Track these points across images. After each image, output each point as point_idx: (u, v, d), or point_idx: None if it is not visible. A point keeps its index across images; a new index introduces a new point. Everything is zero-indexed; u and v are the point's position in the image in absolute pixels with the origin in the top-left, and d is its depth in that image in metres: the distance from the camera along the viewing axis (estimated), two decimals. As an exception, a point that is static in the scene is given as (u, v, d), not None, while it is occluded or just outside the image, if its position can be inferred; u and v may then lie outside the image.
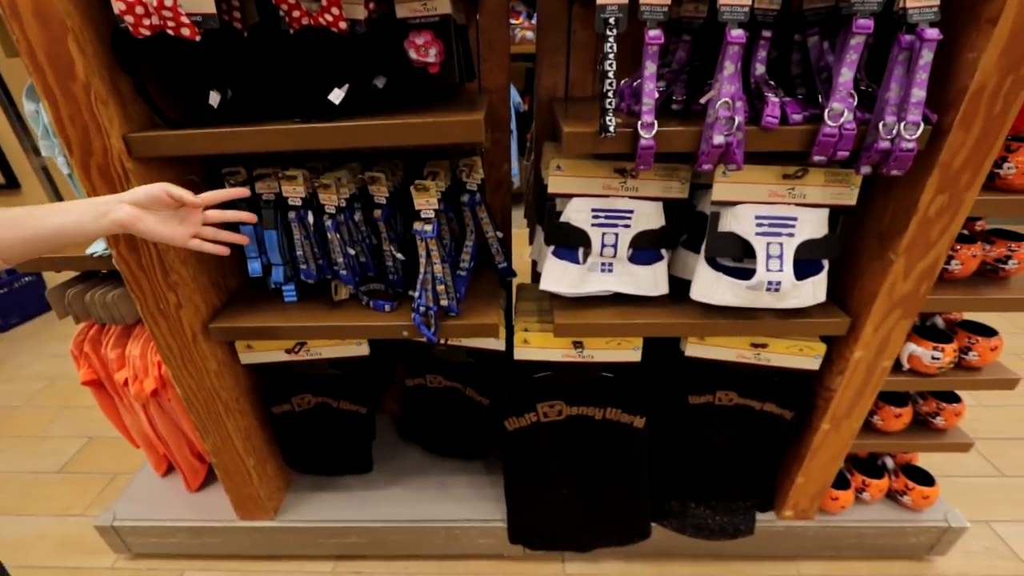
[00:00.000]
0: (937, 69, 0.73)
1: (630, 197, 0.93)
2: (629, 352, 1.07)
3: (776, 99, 0.77)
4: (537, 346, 1.08)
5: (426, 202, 0.94)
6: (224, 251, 0.78)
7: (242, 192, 0.81)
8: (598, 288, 0.99)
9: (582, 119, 0.85)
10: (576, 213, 0.94)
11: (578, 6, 1.02)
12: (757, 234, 0.89)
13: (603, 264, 0.98)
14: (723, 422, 1.15)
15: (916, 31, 0.68)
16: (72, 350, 1.21)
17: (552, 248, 0.99)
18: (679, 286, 1.01)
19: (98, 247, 1.04)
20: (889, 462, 1.32)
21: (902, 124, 0.72)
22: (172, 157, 0.92)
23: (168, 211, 0.72)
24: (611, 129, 0.75)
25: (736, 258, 0.97)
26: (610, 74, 0.73)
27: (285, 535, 1.33)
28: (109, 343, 1.18)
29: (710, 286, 0.94)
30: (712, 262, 0.95)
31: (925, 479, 1.27)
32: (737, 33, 0.71)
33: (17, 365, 2.30)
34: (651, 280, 0.99)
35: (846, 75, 0.73)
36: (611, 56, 0.72)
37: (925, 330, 1.09)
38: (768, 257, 0.89)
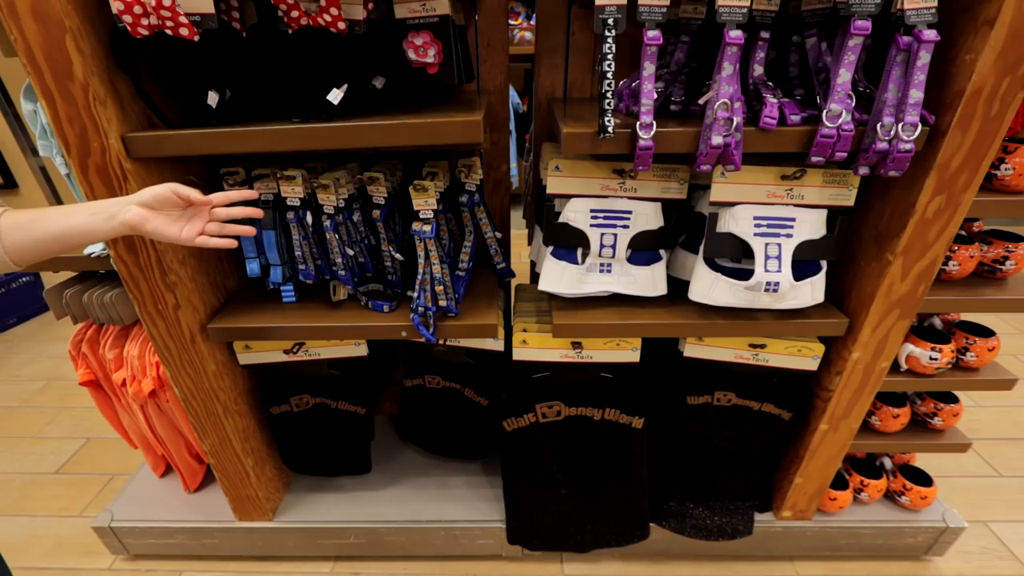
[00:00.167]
0: (935, 71, 0.74)
1: (629, 198, 0.93)
2: (628, 353, 1.07)
3: (774, 100, 0.77)
4: (536, 347, 1.08)
5: (425, 202, 0.94)
6: (232, 244, 0.78)
7: (250, 194, 0.81)
8: (597, 289, 0.99)
9: (581, 120, 0.85)
10: (575, 214, 0.94)
11: (577, 7, 1.03)
12: (755, 235, 0.89)
13: (602, 265, 0.98)
14: (721, 422, 1.15)
15: (914, 32, 0.69)
16: (70, 350, 1.20)
17: (551, 249, 0.99)
18: (678, 287, 1.01)
19: (96, 247, 1.04)
20: (887, 462, 1.32)
21: (900, 125, 0.73)
22: (171, 157, 0.91)
23: (175, 211, 0.73)
24: (610, 130, 0.75)
25: (734, 259, 0.97)
26: (609, 75, 0.73)
27: (283, 536, 1.33)
28: (107, 343, 1.17)
29: (708, 287, 0.94)
30: (710, 263, 0.96)
31: (923, 479, 1.27)
32: (735, 34, 0.71)
33: (15, 366, 2.29)
34: (650, 281, 0.99)
35: (844, 76, 0.73)
36: (610, 57, 0.72)
37: (923, 331, 1.10)
38: (766, 258, 0.89)
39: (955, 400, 1.17)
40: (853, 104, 0.75)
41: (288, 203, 0.98)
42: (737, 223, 0.89)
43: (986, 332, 1.07)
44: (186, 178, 0.97)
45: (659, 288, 1.00)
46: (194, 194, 0.72)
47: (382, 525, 1.31)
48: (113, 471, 1.69)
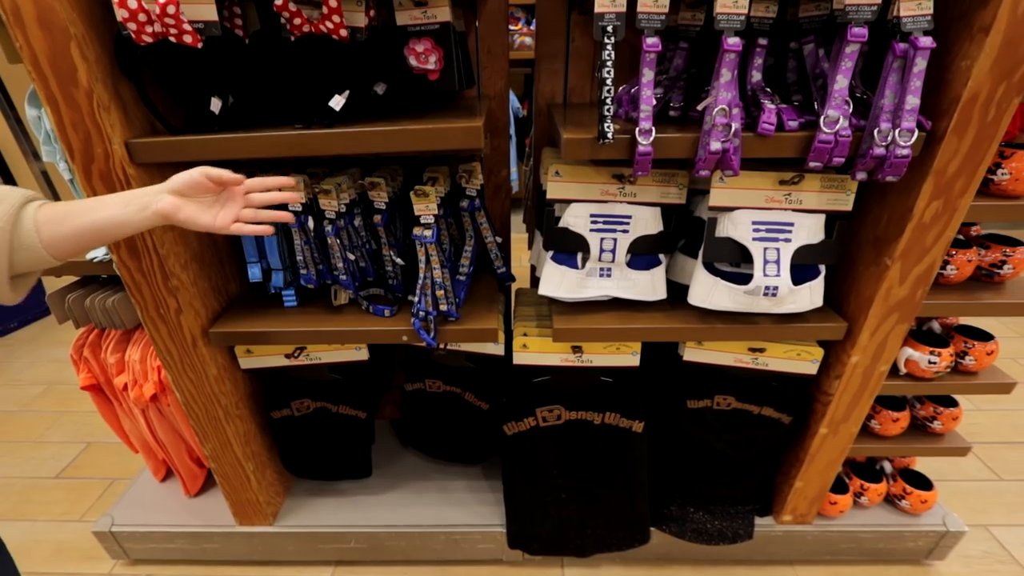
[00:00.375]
0: (931, 77, 0.75)
1: (628, 203, 0.94)
2: (628, 357, 1.07)
3: (772, 106, 0.78)
4: (536, 351, 1.08)
5: (426, 208, 0.95)
6: (268, 230, 0.74)
7: (287, 181, 0.76)
8: (597, 293, 1.00)
9: (580, 125, 0.86)
10: (575, 218, 0.94)
11: (577, 13, 1.03)
12: (754, 239, 0.90)
13: (602, 269, 0.99)
14: (721, 426, 1.15)
15: (910, 39, 0.69)
16: (72, 355, 1.21)
17: (551, 253, 0.99)
18: (677, 291, 1.02)
19: (99, 252, 1.04)
20: (887, 466, 1.32)
21: (897, 131, 0.73)
22: (174, 163, 0.92)
23: (208, 197, 0.70)
24: (609, 136, 0.76)
25: (734, 263, 0.97)
26: (608, 81, 0.74)
27: (284, 541, 1.33)
28: (109, 348, 1.18)
29: (708, 291, 0.95)
30: (710, 267, 0.96)
31: (923, 483, 1.27)
32: (733, 41, 0.72)
33: (16, 370, 2.29)
34: (649, 285, 1.00)
35: (841, 82, 0.74)
36: (609, 63, 0.73)
37: (922, 335, 1.10)
38: (765, 262, 0.90)
39: (954, 404, 1.17)
40: (850, 110, 0.76)
41: (290, 208, 0.98)
42: (736, 228, 0.89)
43: (984, 336, 1.08)
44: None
45: (659, 292, 1.01)
46: (226, 175, 0.68)
47: (383, 529, 1.31)
48: (113, 475, 1.69)
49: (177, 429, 1.30)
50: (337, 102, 0.83)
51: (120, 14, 0.72)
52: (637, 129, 0.76)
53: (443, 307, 1.01)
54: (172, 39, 0.75)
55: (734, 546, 1.28)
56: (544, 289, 1.00)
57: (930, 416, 1.17)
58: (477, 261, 1.16)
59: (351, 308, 1.11)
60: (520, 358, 1.09)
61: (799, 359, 1.04)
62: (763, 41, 0.80)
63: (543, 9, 1.04)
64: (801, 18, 0.81)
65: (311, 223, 0.99)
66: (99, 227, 0.64)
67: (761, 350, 1.04)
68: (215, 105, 0.85)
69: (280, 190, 0.76)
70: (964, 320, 1.14)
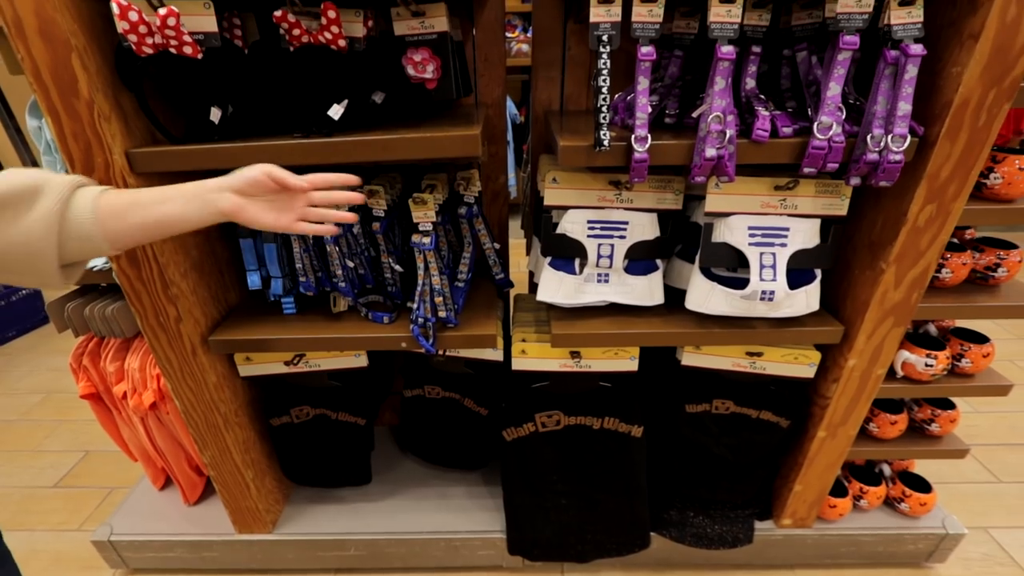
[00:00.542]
0: (922, 83, 0.76)
1: (625, 209, 0.95)
2: (626, 362, 1.08)
3: (766, 113, 0.79)
4: (535, 356, 1.08)
5: (424, 215, 0.95)
6: (333, 230, 0.74)
7: (351, 179, 0.72)
8: (594, 298, 1.00)
9: (577, 132, 0.87)
10: (572, 225, 0.95)
11: (573, 22, 1.04)
12: (750, 244, 0.90)
13: (599, 275, 0.99)
14: (720, 431, 1.15)
15: (901, 47, 0.70)
16: (71, 363, 1.21)
17: (549, 259, 1.00)
18: (674, 296, 1.02)
19: (99, 261, 1.05)
20: (886, 469, 1.32)
21: (889, 137, 0.74)
22: (174, 172, 0.93)
23: (270, 195, 0.68)
24: (605, 143, 0.77)
25: (730, 268, 0.98)
26: (604, 89, 0.75)
27: (283, 548, 1.32)
28: (108, 356, 1.18)
29: (705, 296, 0.95)
30: (706, 272, 0.97)
31: (922, 486, 1.27)
32: (727, 49, 0.73)
33: (14, 378, 2.29)
34: (647, 290, 1.00)
35: (834, 89, 0.75)
36: (605, 72, 0.74)
37: (918, 337, 1.11)
38: (761, 267, 0.90)
39: (952, 406, 1.17)
40: (843, 116, 0.77)
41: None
42: (732, 233, 0.90)
43: (981, 338, 1.08)
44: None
45: (656, 297, 1.01)
46: (290, 178, 0.67)
47: (382, 537, 1.30)
48: (112, 484, 1.68)
49: (176, 437, 1.30)
50: (336, 111, 0.84)
51: (121, 26, 0.73)
52: (633, 136, 0.77)
53: (442, 313, 1.02)
54: (172, 50, 0.76)
55: (734, 550, 1.28)
56: (542, 295, 1.00)
57: (928, 418, 1.18)
58: (475, 267, 1.16)
59: (350, 315, 1.11)
60: (519, 364, 1.09)
61: (796, 363, 1.05)
62: (757, 49, 0.81)
63: (539, 18, 1.05)
64: (794, 26, 0.83)
65: (310, 231, 1.00)
66: (161, 223, 0.63)
67: (759, 354, 1.05)
68: (215, 115, 0.86)
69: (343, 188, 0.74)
70: (960, 323, 1.15)
